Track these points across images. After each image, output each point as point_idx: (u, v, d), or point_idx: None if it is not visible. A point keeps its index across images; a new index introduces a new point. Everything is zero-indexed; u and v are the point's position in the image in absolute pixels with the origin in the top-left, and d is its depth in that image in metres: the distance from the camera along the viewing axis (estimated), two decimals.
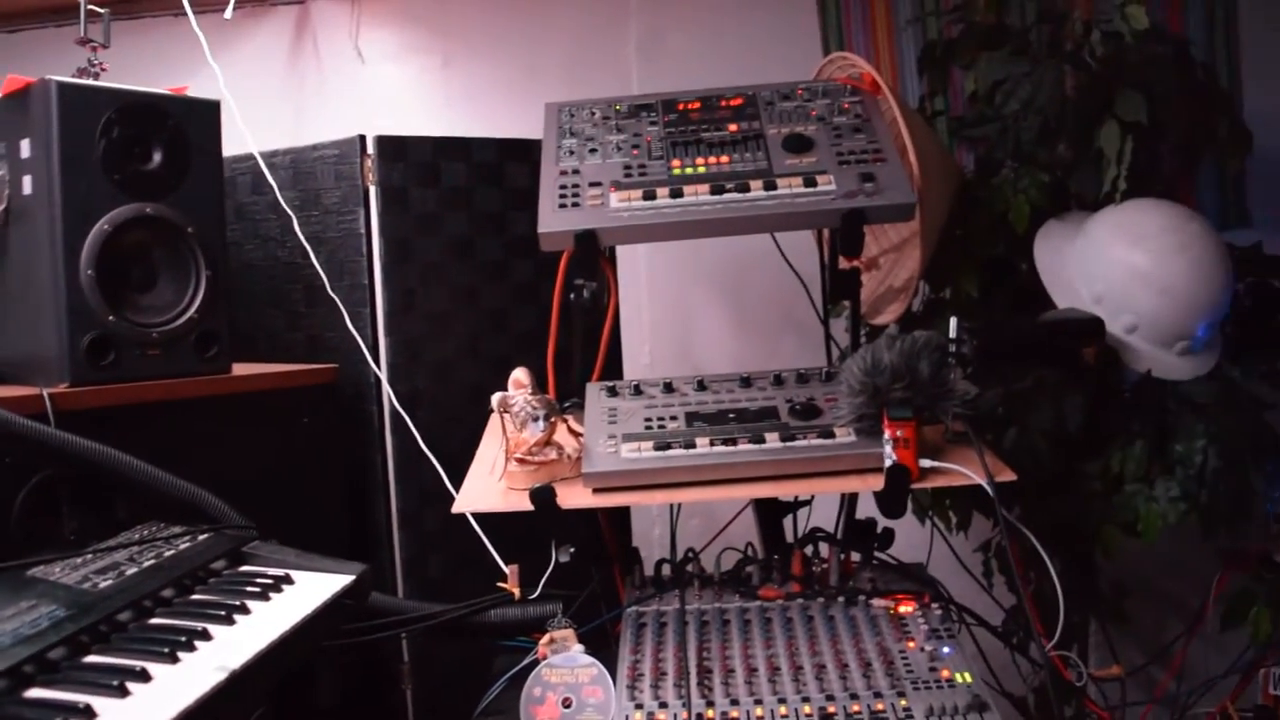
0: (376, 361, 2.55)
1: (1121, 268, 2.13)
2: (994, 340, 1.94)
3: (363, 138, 2.54)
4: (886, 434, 1.66)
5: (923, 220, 2.04)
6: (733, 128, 2.03)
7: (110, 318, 2.00)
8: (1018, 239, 2.34)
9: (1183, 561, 2.88)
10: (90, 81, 2.13)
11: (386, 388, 2.54)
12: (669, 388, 1.91)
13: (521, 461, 1.74)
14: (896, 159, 1.93)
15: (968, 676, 1.57)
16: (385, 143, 2.55)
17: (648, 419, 1.81)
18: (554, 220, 1.86)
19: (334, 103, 3.36)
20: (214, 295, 2.16)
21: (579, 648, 1.71)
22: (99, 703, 1.14)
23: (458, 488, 1.83)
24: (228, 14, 2.97)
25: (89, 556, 1.54)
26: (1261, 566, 2.41)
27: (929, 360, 1.70)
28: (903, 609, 1.76)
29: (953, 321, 1.84)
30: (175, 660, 1.27)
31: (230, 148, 2.37)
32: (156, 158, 2.08)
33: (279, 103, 3.36)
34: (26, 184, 2.00)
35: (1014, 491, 1.93)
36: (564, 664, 1.66)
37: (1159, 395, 2.22)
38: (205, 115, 2.19)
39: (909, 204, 1.85)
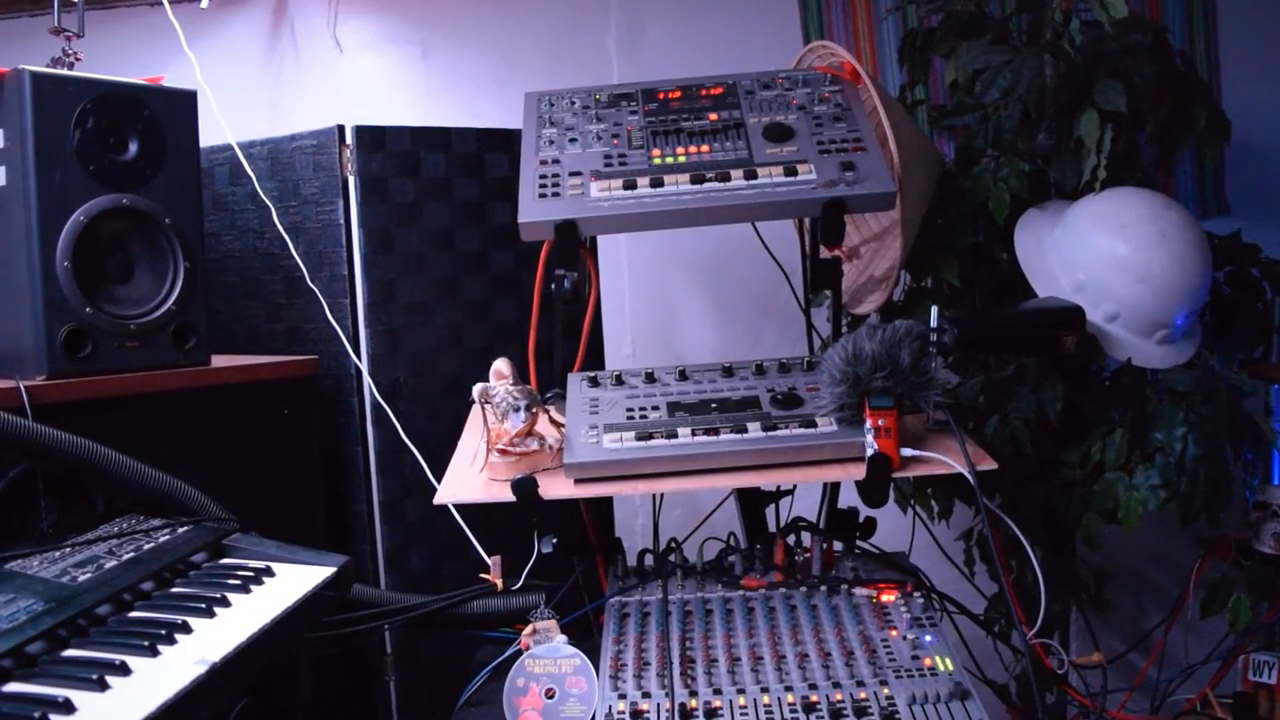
0: (357, 353, 2.54)
1: (1102, 256, 2.13)
2: (975, 329, 1.94)
3: (341, 128, 2.52)
4: (868, 423, 1.66)
5: (903, 209, 2.04)
6: (713, 117, 2.03)
7: (87, 310, 1.99)
8: (998, 228, 2.34)
9: (1162, 549, 2.91)
10: (65, 71, 2.11)
11: (367, 379, 2.54)
12: (651, 378, 1.90)
13: (503, 452, 1.74)
14: (877, 148, 1.92)
15: (949, 664, 1.57)
16: (364, 133, 2.54)
17: (629, 409, 1.80)
18: (534, 210, 1.85)
19: (312, 92, 3.35)
20: (192, 287, 2.15)
21: (562, 638, 1.70)
22: (78, 696, 1.13)
23: (439, 479, 1.82)
24: (204, 3, 2.96)
25: (67, 550, 1.53)
26: (1240, 554, 2.42)
27: (910, 349, 1.70)
28: (885, 598, 1.76)
29: (933, 310, 1.84)
30: (155, 654, 1.26)
31: (207, 138, 2.35)
32: (132, 148, 2.07)
33: (256, 92, 3.35)
34: (1, 175, 1.98)
35: (995, 480, 1.94)
36: (547, 655, 1.66)
37: (1139, 384, 2.23)
38: (182, 105, 2.17)
39: (889, 193, 1.85)
